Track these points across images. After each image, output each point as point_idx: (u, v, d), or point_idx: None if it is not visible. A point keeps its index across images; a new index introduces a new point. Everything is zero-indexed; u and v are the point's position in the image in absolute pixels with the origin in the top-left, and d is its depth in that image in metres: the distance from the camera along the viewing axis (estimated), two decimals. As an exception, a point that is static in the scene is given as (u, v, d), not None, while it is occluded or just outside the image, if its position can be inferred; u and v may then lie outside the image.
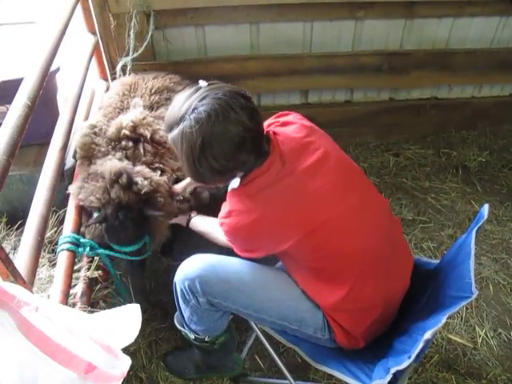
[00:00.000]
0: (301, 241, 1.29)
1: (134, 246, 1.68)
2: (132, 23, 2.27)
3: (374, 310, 1.41)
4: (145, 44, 2.35)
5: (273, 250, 1.37)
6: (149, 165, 1.76)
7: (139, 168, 1.70)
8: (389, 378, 1.22)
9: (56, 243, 1.72)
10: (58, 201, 1.63)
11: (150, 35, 2.33)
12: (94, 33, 2.34)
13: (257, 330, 1.64)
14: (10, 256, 1.17)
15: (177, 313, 1.64)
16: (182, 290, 1.48)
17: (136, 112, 1.86)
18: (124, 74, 2.41)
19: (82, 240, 1.66)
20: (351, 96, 2.95)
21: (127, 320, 1.03)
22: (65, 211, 1.83)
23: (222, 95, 1.20)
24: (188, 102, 1.22)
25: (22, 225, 1.55)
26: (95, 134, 1.77)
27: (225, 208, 1.40)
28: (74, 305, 1.63)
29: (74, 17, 2.00)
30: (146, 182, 1.66)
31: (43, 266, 1.80)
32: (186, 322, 1.59)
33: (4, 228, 2.06)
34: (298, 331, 1.47)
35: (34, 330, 0.96)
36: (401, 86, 2.92)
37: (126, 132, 1.76)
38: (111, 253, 1.72)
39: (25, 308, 1.00)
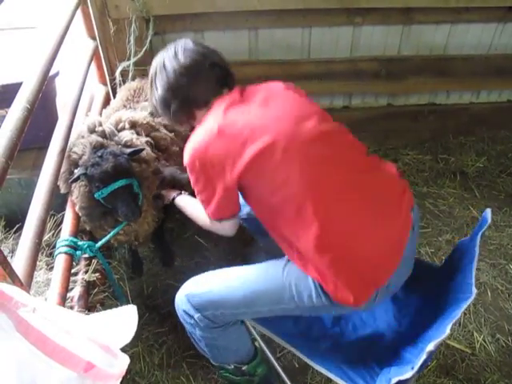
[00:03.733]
0: (252, 162, 1.29)
1: (121, 182, 1.58)
2: (131, 28, 2.29)
3: (354, 256, 1.33)
4: (144, 49, 2.36)
5: (231, 178, 1.32)
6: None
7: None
8: None
9: (54, 246, 1.73)
10: (55, 204, 1.63)
11: (149, 40, 2.35)
12: (93, 38, 2.35)
13: (255, 334, 1.64)
14: (8, 259, 1.18)
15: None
16: (185, 322, 1.53)
17: (140, 113, 1.88)
18: (123, 78, 2.42)
19: (79, 243, 1.66)
20: (349, 101, 2.96)
21: (124, 320, 1.03)
22: (63, 215, 1.84)
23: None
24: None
25: (20, 228, 1.56)
26: (90, 131, 1.74)
27: None
28: (71, 308, 1.63)
29: (74, 22, 2.01)
30: (128, 136, 1.71)
31: (41, 269, 1.81)
32: (213, 358, 1.62)
33: (2, 231, 2.06)
34: (298, 308, 1.42)
35: (32, 330, 0.96)
36: (399, 92, 2.93)
37: (125, 126, 1.77)
38: (107, 237, 1.70)
39: (22, 309, 1.00)
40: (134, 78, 2.38)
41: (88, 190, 1.66)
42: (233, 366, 1.63)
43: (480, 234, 1.40)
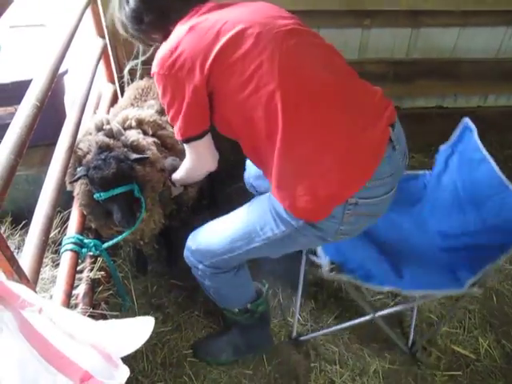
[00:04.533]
0: (217, 58, 1.23)
1: (120, 188, 1.57)
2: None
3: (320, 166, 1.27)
4: (152, 48, 2.35)
5: (201, 76, 1.25)
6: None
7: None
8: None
9: (59, 243, 1.73)
10: (62, 201, 1.64)
11: (157, 39, 2.35)
12: (102, 36, 2.35)
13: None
14: (15, 255, 1.18)
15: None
16: (195, 273, 1.68)
17: (147, 111, 1.88)
18: (131, 77, 2.43)
19: (85, 241, 1.66)
20: (356, 103, 2.95)
21: (135, 330, 1.03)
22: (69, 212, 1.84)
23: None
24: None
25: (27, 225, 1.56)
26: (98, 129, 1.75)
27: None
28: (75, 306, 1.64)
29: (84, 20, 2.02)
30: (135, 136, 1.70)
31: (46, 266, 1.81)
32: (221, 302, 1.78)
33: (9, 227, 2.07)
34: (286, 237, 1.40)
35: (34, 333, 0.96)
36: (406, 94, 2.92)
37: (132, 123, 1.78)
38: (113, 241, 1.71)
39: (28, 308, 1.00)
40: (142, 77, 2.38)
41: (88, 189, 1.66)
42: (237, 310, 1.77)
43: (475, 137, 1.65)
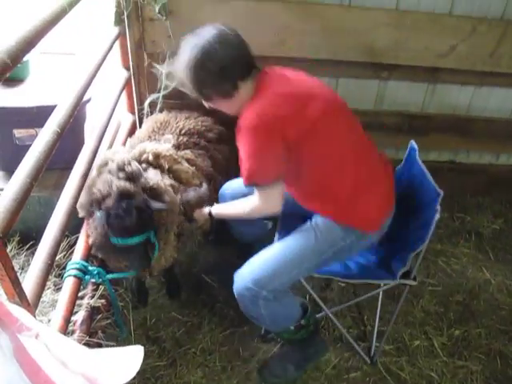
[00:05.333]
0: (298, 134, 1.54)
1: (138, 238, 1.59)
2: (165, 63, 2.37)
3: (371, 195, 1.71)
4: (174, 83, 2.43)
5: (289, 138, 1.53)
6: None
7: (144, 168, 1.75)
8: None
9: (64, 267, 1.74)
10: (71, 226, 1.65)
11: (180, 76, 2.42)
12: (127, 68, 2.44)
13: (309, 288, 1.94)
14: (19, 276, 1.19)
15: (264, 332, 2.11)
16: (251, 307, 1.71)
17: (164, 145, 1.91)
18: (151, 110, 2.49)
19: (89, 268, 1.67)
20: (369, 152, 2.98)
21: (126, 361, 1.03)
22: (76, 237, 1.86)
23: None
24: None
25: (34, 245, 1.57)
26: (119, 169, 1.72)
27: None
28: (72, 332, 1.62)
29: (111, 52, 2.10)
30: (154, 179, 1.69)
31: (48, 289, 1.81)
32: (277, 326, 1.83)
33: (15, 247, 2.08)
34: (335, 253, 1.71)
35: (27, 359, 0.96)
36: (419, 147, 2.94)
37: (149, 157, 1.78)
38: (119, 275, 1.72)
39: (25, 333, 1.01)
40: (161, 111, 2.45)
41: (105, 232, 1.63)
42: (293, 327, 1.82)
43: (418, 158, 1.95)
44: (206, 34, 1.52)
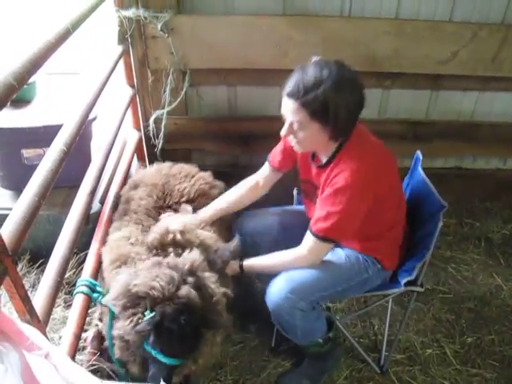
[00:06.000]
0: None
1: (174, 360, 1.37)
2: (168, 80, 2.41)
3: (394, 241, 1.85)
4: (178, 99, 2.47)
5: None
6: None
7: (208, 274, 1.48)
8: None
9: (73, 284, 1.75)
10: (80, 243, 1.67)
11: (184, 91, 2.46)
12: (132, 86, 2.48)
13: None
14: (29, 294, 1.21)
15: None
16: (286, 318, 1.69)
17: (187, 218, 1.74)
18: (157, 126, 2.52)
19: (98, 288, 1.65)
20: (375, 160, 2.99)
21: None
22: (85, 254, 1.87)
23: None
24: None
25: (44, 263, 1.59)
26: (131, 244, 1.62)
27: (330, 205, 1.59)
28: (83, 348, 1.63)
29: (116, 70, 2.13)
30: (218, 290, 1.46)
31: (58, 306, 1.82)
32: (307, 338, 1.83)
33: (26, 265, 2.10)
34: (358, 283, 1.78)
35: (32, 380, 0.96)
36: (425, 154, 2.93)
37: (177, 237, 1.57)
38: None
39: (36, 352, 1.01)
40: (166, 127, 2.49)
41: (144, 335, 1.37)
42: (321, 340, 1.85)
43: (420, 168, 1.96)
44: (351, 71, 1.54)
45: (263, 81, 2.56)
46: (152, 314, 1.34)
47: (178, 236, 1.57)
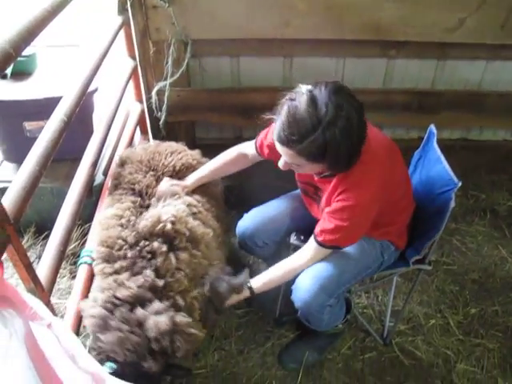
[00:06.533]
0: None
1: None
2: (170, 51, 2.37)
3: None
4: (181, 71, 2.43)
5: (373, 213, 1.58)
6: (183, 293, 1.52)
7: (182, 319, 1.44)
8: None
9: (78, 256, 1.77)
10: (84, 215, 1.68)
11: (186, 63, 2.42)
12: (133, 57, 2.44)
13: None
14: (34, 265, 1.22)
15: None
16: (316, 308, 1.67)
17: (178, 206, 1.69)
18: (159, 98, 2.50)
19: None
20: (380, 133, 2.95)
21: None
22: (89, 225, 1.88)
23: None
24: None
25: (49, 235, 1.60)
26: (122, 225, 1.60)
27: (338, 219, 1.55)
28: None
29: (116, 42, 2.10)
30: (183, 346, 1.42)
31: (64, 276, 1.85)
32: (330, 326, 1.85)
33: (31, 237, 2.13)
34: (376, 265, 1.79)
35: (35, 347, 0.97)
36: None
37: (167, 227, 1.55)
38: None
39: (38, 321, 1.02)
40: (169, 99, 2.46)
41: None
42: (341, 325, 1.91)
43: (435, 142, 1.87)
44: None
45: (266, 51, 2.52)
46: (113, 367, 1.35)
47: (169, 226, 1.55)
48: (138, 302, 1.42)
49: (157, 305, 1.42)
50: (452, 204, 1.61)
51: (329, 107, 1.30)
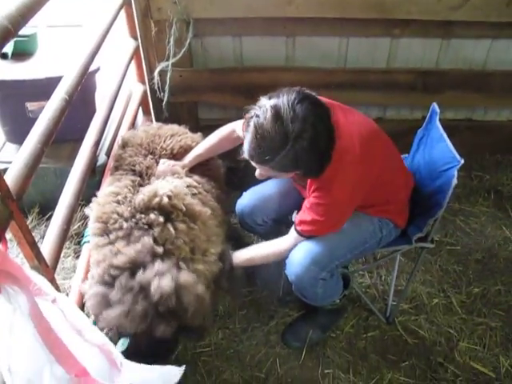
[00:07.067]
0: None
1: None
2: (172, 30, 2.35)
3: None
4: (183, 51, 2.42)
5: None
6: (186, 261, 1.51)
7: (187, 278, 1.44)
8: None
9: (82, 235, 1.78)
10: (87, 195, 1.68)
11: (188, 42, 2.40)
12: (135, 37, 2.43)
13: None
14: (38, 244, 1.23)
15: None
16: (308, 281, 1.68)
17: (177, 182, 1.69)
18: (161, 79, 2.48)
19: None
20: (384, 113, 2.93)
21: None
22: (93, 205, 1.89)
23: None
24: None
25: (53, 216, 1.61)
26: (118, 202, 1.59)
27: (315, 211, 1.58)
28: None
29: (117, 22, 2.09)
30: (192, 304, 1.42)
31: (68, 256, 1.86)
32: (327, 301, 1.89)
33: (35, 217, 2.14)
34: (376, 241, 1.78)
35: (41, 319, 0.98)
36: (435, 106, 2.88)
37: (164, 201, 1.54)
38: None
39: (42, 297, 1.03)
40: (171, 79, 2.45)
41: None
42: (339, 300, 1.95)
43: (438, 121, 1.86)
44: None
45: (269, 30, 2.49)
46: (126, 343, 1.34)
47: (165, 200, 1.54)
48: (137, 266, 1.40)
49: (159, 265, 1.40)
50: (454, 181, 1.61)
51: (294, 121, 1.32)
